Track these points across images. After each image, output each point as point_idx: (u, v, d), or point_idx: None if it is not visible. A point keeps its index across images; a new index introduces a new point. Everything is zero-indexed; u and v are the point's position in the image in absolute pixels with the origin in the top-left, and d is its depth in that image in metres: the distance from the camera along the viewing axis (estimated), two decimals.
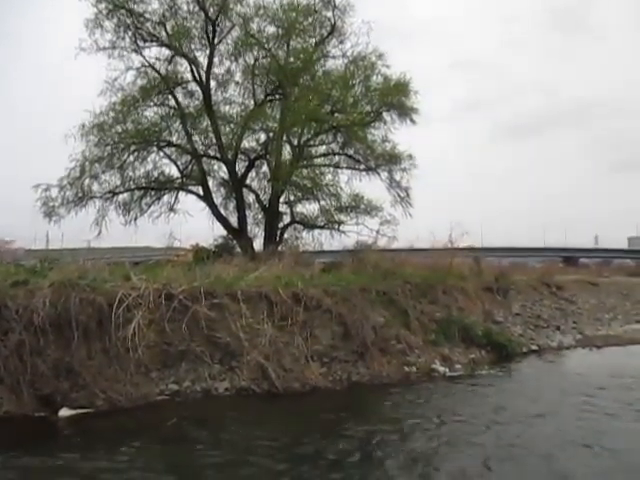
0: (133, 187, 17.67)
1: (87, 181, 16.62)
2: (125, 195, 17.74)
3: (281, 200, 18.73)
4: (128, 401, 7.85)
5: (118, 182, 17.28)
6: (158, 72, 17.49)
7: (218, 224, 18.42)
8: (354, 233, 18.49)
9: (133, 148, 17.11)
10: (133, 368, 8.20)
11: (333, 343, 9.93)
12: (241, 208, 18.22)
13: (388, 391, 8.90)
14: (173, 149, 18.20)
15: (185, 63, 17.78)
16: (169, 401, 8.15)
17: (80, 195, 16.55)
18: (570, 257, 45.71)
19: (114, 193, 17.33)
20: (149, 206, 18.06)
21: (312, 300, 10.11)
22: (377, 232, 18.29)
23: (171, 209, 18.32)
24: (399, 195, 18.91)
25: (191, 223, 18.79)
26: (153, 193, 18.23)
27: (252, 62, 17.98)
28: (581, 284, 22.25)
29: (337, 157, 19.27)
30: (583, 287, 21.50)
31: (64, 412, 7.43)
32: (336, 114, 17.80)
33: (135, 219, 17.87)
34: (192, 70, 17.68)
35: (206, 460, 5.80)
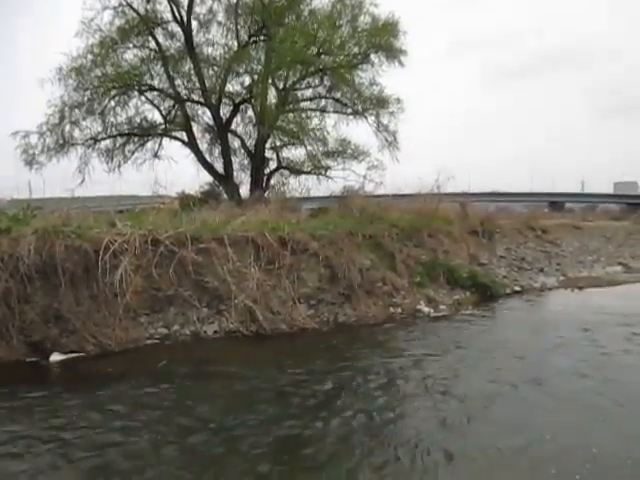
0: (115, 133, 17.33)
1: (67, 127, 16.28)
2: (107, 142, 17.45)
3: (267, 145, 18.52)
4: (118, 345, 7.97)
5: (100, 128, 16.95)
6: (136, 11, 16.83)
7: (204, 171, 18.27)
8: (341, 179, 18.46)
9: (114, 93, 16.67)
10: (122, 313, 8.27)
11: (320, 286, 10.06)
12: (226, 154, 18.01)
13: (374, 330, 9.12)
14: (155, 93, 17.76)
15: (164, 1, 17.12)
16: (159, 344, 8.28)
17: (61, 142, 16.23)
18: (556, 202, 46.11)
19: (96, 140, 17.00)
20: (132, 153, 17.81)
21: (299, 244, 10.17)
22: (364, 177, 18.27)
23: (155, 156, 18.09)
24: (386, 139, 18.79)
25: (176, 170, 18.62)
26: (136, 139, 17.92)
27: (235, 0, 17.35)
28: (565, 228, 22.53)
29: (324, 101, 18.97)
30: (567, 231, 21.79)
31: (55, 357, 7.53)
32: (323, 56, 17.36)
33: (119, 166, 17.66)
34: (172, 9, 17.05)
35: (197, 396, 5.95)
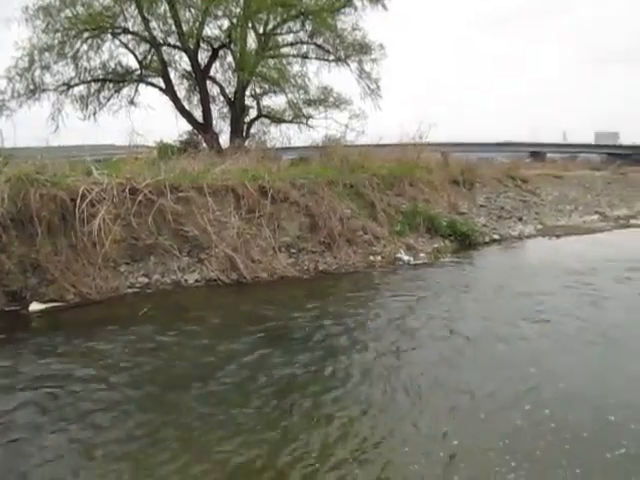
0: (89, 79, 16.70)
1: (38, 72, 15.60)
2: (81, 88, 16.83)
3: (247, 93, 18.08)
4: (98, 294, 7.97)
5: (72, 73, 16.28)
6: None
7: (182, 119, 17.81)
8: (322, 127, 18.21)
9: (86, 35, 15.94)
10: (101, 262, 8.23)
11: (300, 235, 10.09)
12: (205, 101, 17.55)
13: (353, 278, 9.24)
14: (130, 37, 17.02)
15: None
16: (140, 293, 8.30)
17: (32, 87, 15.61)
18: (537, 152, 46.18)
19: (69, 85, 16.39)
20: (108, 99, 17.25)
21: (279, 193, 10.12)
22: (346, 126, 18.04)
23: (131, 102, 17.56)
24: (369, 87, 18.46)
25: (155, 119, 18.19)
26: (111, 86, 17.32)
27: None
28: (546, 177, 22.70)
29: (305, 47, 18.42)
30: (547, 180, 21.96)
31: (35, 306, 7.51)
32: None
33: (94, 114, 17.12)
34: None
35: (179, 341, 6.02)
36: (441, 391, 4.67)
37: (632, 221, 17.28)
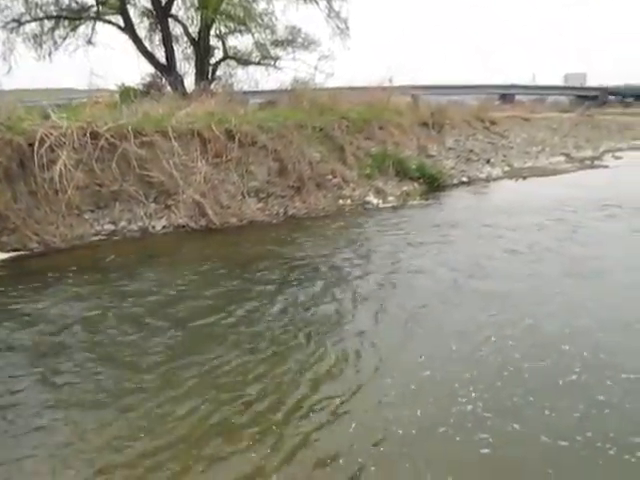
0: (42, 16, 15.74)
1: None
2: (33, 25, 15.88)
3: (211, 33, 17.35)
4: (63, 242, 7.81)
5: (23, 9, 15.33)
6: None
7: (145, 61, 17.08)
8: (291, 70, 17.75)
9: None
10: (64, 210, 8.02)
11: (269, 179, 9.98)
12: (168, 41, 16.79)
13: (323, 221, 9.25)
14: None
15: None
16: (106, 241, 8.18)
17: None
18: (506, 94, 46.07)
19: (20, 22, 15.45)
20: (63, 39, 16.35)
21: (247, 137, 9.91)
22: (315, 68, 17.63)
23: (89, 42, 16.69)
24: (338, 27, 17.89)
25: (115, 60, 17.38)
26: (66, 23, 16.37)
27: None
28: (514, 120, 22.72)
29: None
30: (516, 122, 21.99)
31: None
32: None
33: (49, 54, 16.26)
34: None
35: (146, 285, 5.99)
36: (417, 328, 4.78)
37: (596, 162, 17.62)
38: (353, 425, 3.34)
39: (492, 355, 4.19)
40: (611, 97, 56.86)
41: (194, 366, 4.14)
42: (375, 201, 10.65)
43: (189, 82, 17.12)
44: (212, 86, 16.31)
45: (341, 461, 3.02)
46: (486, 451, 3.07)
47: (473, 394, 3.63)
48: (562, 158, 17.75)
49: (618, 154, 19.94)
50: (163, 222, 8.74)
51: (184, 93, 14.42)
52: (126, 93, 13.96)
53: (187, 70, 17.97)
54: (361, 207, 10.33)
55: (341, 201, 10.40)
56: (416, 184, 11.96)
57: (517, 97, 46.80)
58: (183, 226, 8.72)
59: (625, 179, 13.63)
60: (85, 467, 3.03)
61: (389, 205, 10.56)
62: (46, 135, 8.08)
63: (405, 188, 11.65)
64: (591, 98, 51.44)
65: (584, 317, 4.86)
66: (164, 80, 16.85)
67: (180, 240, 8.24)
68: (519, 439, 3.19)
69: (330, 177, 10.71)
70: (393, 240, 7.86)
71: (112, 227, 8.47)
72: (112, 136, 8.68)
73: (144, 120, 9.46)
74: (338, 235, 8.37)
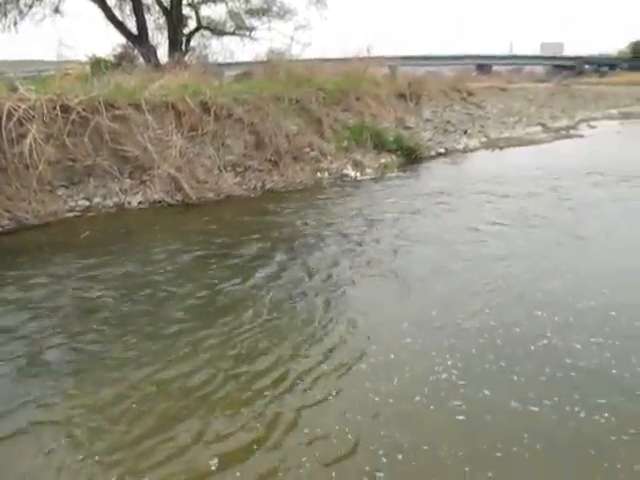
0: None
1: None
2: None
3: (184, 1, 16.95)
4: (36, 219, 7.64)
5: None
6: None
7: (115, 32, 16.60)
8: (266, 40, 17.46)
9: None
10: (36, 185, 7.83)
11: (246, 152, 9.87)
12: (139, 10, 16.34)
13: (301, 195, 9.21)
14: None
15: None
16: (81, 217, 8.03)
17: None
18: (483, 65, 46.05)
19: None
20: (29, 7, 15.74)
21: (222, 109, 9.76)
22: (291, 38, 17.37)
23: (56, 11, 16.12)
24: None
25: (85, 32, 16.85)
26: None
27: None
28: (491, 90, 22.77)
29: None
30: (493, 93, 22.05)
31: None
32: None
33: (15, 24, 15.69)
34: None
35: (122, 261, 5.93)
36: (397, 300, 4.84)
37: (572, 132, 17.82)
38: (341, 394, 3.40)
39: (469, 324, 4.27)
40: (587, 66, 57.30)
41: (183, 337, 4.14)
42: (353, 174, 10.63)
43: (162, 53, 16.77)
44: (186, 57, 15.97)
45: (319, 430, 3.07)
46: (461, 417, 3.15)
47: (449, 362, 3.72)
48: (538, 128, 17.88)
49: (593, 123, 20.18)
50: (139, 197, 8.61)
51: (157, 65, 14.13)
52: (97, 65, 13.58)
53: (160, 41, 17.58)
54: (339, 180, 10.31)
55: (319, 174, 10.35)
56: (394, 156, 11.96)
57: (494, 67, 46.87)
58: (159, 201, 8.60)
59: (601, 149, 13.91)
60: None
61: (367, 177, 10.55)
62: (14, 108, 7.84)
63: (383, 160, 11.64)
64: (567, 68, 51.61)
65: (566, 282, 5.02)
66: (136, 51, 16.44)
67: (157, 216, 8.15)
68: (490, 406, 3.26)
69: (307, 150, 10.63)
70: (380, 210, 7.95)
71: (86, 203, 8.31)
72: (84, 109, 8.46)
73: (116, 92, 9.23)
74: (316, 208, 8.35)
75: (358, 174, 10.66)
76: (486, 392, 3.38)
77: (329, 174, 10.43)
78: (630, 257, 5.79)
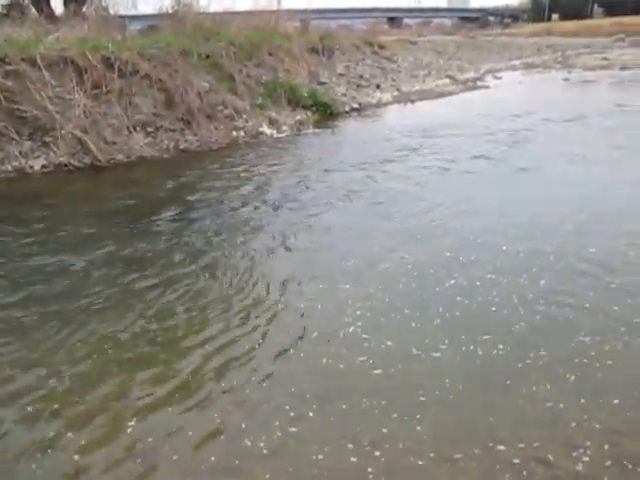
0: None
1: None
2: None
3: None
4: None
5: None
6: None
7: None
8: None
9: None
10: None
11: (156, 111, 9.47)
12: None
13: (217, 154, 8.99)
14: None
15: None
16: None
17: None
18: (394, 18, 46.30)
19: None
20: None
21: (127, 65, 9.26)
22: None
23: None
24: None
25: None
26: None
27: None
28: (401, 43, 23.13)
29: None
30: (403, 46, 22.40)
31: None
32: None
33: None
34: None
35: (29, 233, 5.63)
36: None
37: (479, 83, 18.52)
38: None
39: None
40: (491, 18, 59.06)
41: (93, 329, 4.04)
42: (269, 131, 10.52)
43: (57, 4, 15.50)
44: (84, 9, 14.89)
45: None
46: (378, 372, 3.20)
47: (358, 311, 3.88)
48: (447, 80, 18.41)
49: (498, 74, 21.06)
50: (42, 161, 8.09)
51: (51, 16, 13.08)
52: None
53: None
54: (255, 138, 10.17)
55: (234, 133, 10.15)
56: (309, 112, 11.93)
57: (405, 20, 47.27)
58: (65, 165, 8.13)
59: (508, 96, 14.99)
60: None
61: (284, 135, 10.49)
62: None
63: (299, 117, 11.59)
64: (473, 20, 52.88)
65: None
66: (27, 0, 15.10)
67: (62, 180, 7.68)
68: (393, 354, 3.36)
69: (221, 108, 10.36)
70: (293, 168, 7.99)
71: None
72: None
73: (6, 46, 8.52)
74: (232, 167, 8.22)
75: (274, 132, 10.57)
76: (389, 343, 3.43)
77: (245, 133, 10.25)
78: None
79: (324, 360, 3.28)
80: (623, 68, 21.55)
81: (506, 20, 61.47)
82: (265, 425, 2.75)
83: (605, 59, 25.35)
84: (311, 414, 2.83)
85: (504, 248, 4.77)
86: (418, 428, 2.70)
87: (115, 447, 2.64)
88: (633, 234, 5.02)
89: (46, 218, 6.06)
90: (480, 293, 4.01)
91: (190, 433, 2.72)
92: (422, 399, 2.92)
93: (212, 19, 13.40)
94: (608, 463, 2.45)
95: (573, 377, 3.05)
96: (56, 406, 2.95)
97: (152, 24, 14.88)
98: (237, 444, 2.64)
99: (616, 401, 2.85)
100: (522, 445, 2.56)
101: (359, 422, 2.76)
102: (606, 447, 2.54)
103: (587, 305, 3.80)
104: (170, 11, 15.20)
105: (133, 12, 17.26)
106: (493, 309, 3.80)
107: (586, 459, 2.47)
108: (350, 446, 2.60)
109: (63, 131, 8.24)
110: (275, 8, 15.86)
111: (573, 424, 2.69)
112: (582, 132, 9.93)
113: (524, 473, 2.41)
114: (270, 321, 3.78)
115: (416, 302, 3.94)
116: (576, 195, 6.31)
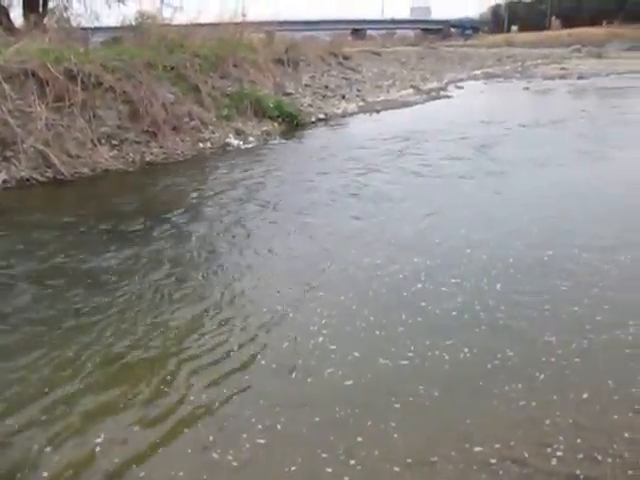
0: None
1: None
2: None
3: None
4: None
5: None
6: None
7: None
8: (135, 2, 16.41)
9: None
10: None
11: (121, 124, 9.35)
12: None
13: (183, 166, 8.95)
14: None
15: None
16: None
17: None
18: (358, 29, 46.90)
19: None
20: None
21: (90, 77, 9.13)
22: (161, 1, 16.44)
23: None
24: None
25: None
26: None
27: None
28: (366, 54, 23.45)
29: None
30: (367, 57, 22.71)
31: None
32: None
33: None
34: None
35: None
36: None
37: (442, 92, 18.89)
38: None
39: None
40: (453, 30, 60.41)
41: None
42: (236, 142, 10.50)
43: (16, 15, 15.17)
44: (45, 20, 14.60)
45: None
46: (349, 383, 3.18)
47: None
48: (411, 90, 18.73)
49: (460, 84, 21.54)
50: (3, 176, 7.85)
51: (10, 28, 12.79)
52: None
53: (12, 1, 15.85)
54: (222, 149, 10.15)
55: (201, 144, 10.10)
56: (275, 123, 11.96)
57: (368, 32, 47.89)
58: (27, 179, 7.94)
59: (471, 105, 15.22)
60: None
61: (250, 146, 10.50)
62: None
63: (265, 128, 11.61)
64: (435, 31, 53.88)
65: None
66: None
67: (24, 196, 7.49)
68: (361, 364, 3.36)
69: (187, 119, 10.31)
70: (259, 179, 7.99)
71: None
72: None
73: None
74: (198, 178, 8.20)
75: (241, 143, 10.56)
76: (356, 354, 3.39)
77: (211, 144, 10.22)
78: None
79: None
80: (580, 77, 22.33)
81: (467, 32, 63.01)
82: (234, 438, 2.72)
83: (563, 69, 26.25)
84: (279, 426, 2.80)
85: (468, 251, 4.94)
86: (394, 435, 2.71)
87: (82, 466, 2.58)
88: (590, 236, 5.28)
89: (12, 231, 5.91)
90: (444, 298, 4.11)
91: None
92: (396, 406, 2.93)
93: (176, 31, 13.33)
94: (580, 456, 2.52)
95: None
96: None
97: (115, 36, 14.70)
98: (205, 457, 2.60)
99: (585, 396, 2.93)
100: (498, 445, 2.60)
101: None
102: (578, 441, 2.61)
103: (547, 307, 3.93)
104: (134, 23, 15.06)
105: (96, 24, 16.94)
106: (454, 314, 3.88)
107: (560, 454, 2.53)
108: (324, 456, 2.59)
109: (24, 145, 8.05)
110: (240, 20, 15.87)
111: (547, 421, 2.75)
112: (542, 136, 10.39)
113: (500, 473, 2.44)
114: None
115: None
116: (537, 196, 6.68)
